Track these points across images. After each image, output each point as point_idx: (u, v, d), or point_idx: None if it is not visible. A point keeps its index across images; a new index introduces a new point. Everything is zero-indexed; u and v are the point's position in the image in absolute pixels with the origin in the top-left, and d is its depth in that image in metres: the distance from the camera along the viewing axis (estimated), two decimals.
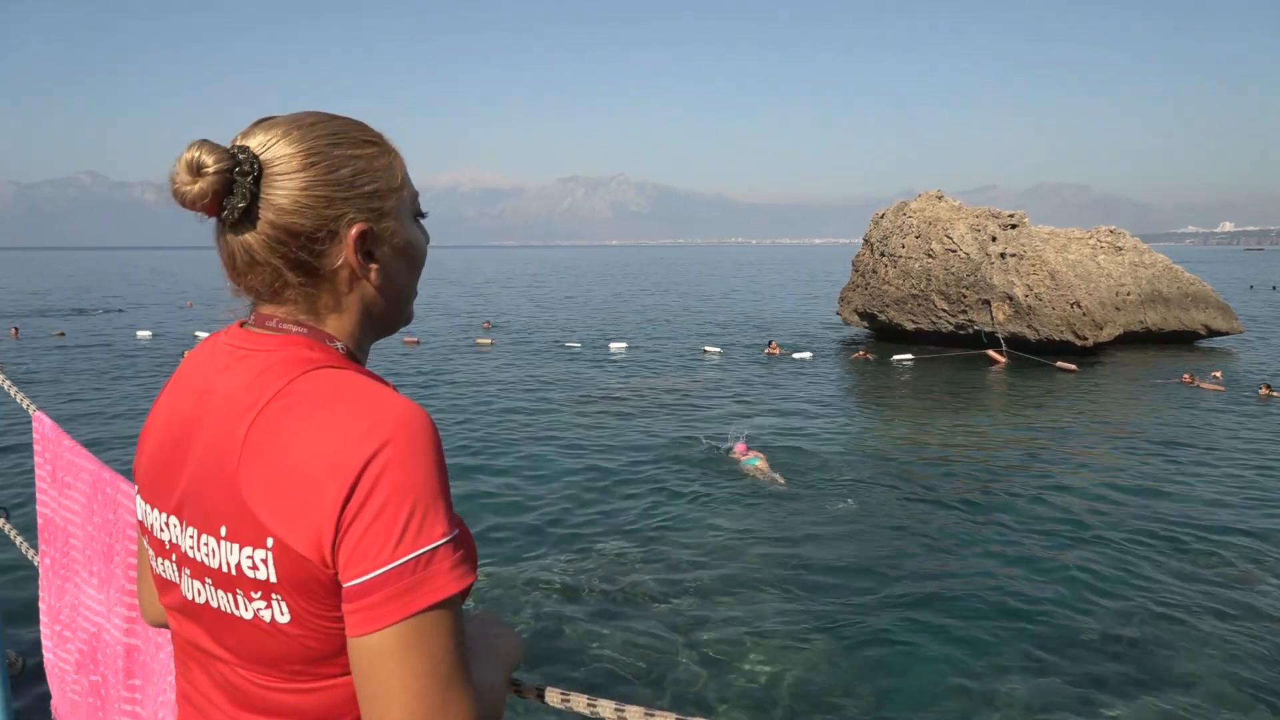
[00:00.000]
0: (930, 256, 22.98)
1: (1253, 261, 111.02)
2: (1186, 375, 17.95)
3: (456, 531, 0.95)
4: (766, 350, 22.79)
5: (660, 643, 6.52)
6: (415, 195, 1.14)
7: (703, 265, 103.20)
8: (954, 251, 22.64)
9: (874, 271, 24.36)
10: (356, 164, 1.05)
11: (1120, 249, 25.47)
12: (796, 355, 22.07)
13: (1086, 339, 20.75)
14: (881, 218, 25.12)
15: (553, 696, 1.25)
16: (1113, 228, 26.37)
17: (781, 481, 10.70)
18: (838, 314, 26.09)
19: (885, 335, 24.14)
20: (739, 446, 11.82)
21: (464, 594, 0.96)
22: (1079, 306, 21.05)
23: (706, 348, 23.37)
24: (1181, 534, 8.89)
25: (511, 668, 1.17)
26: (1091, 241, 25.36)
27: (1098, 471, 11.24)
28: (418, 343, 24.67)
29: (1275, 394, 16.32)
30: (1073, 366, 19.57)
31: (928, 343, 22.86)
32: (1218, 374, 18.23)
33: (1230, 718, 5.60)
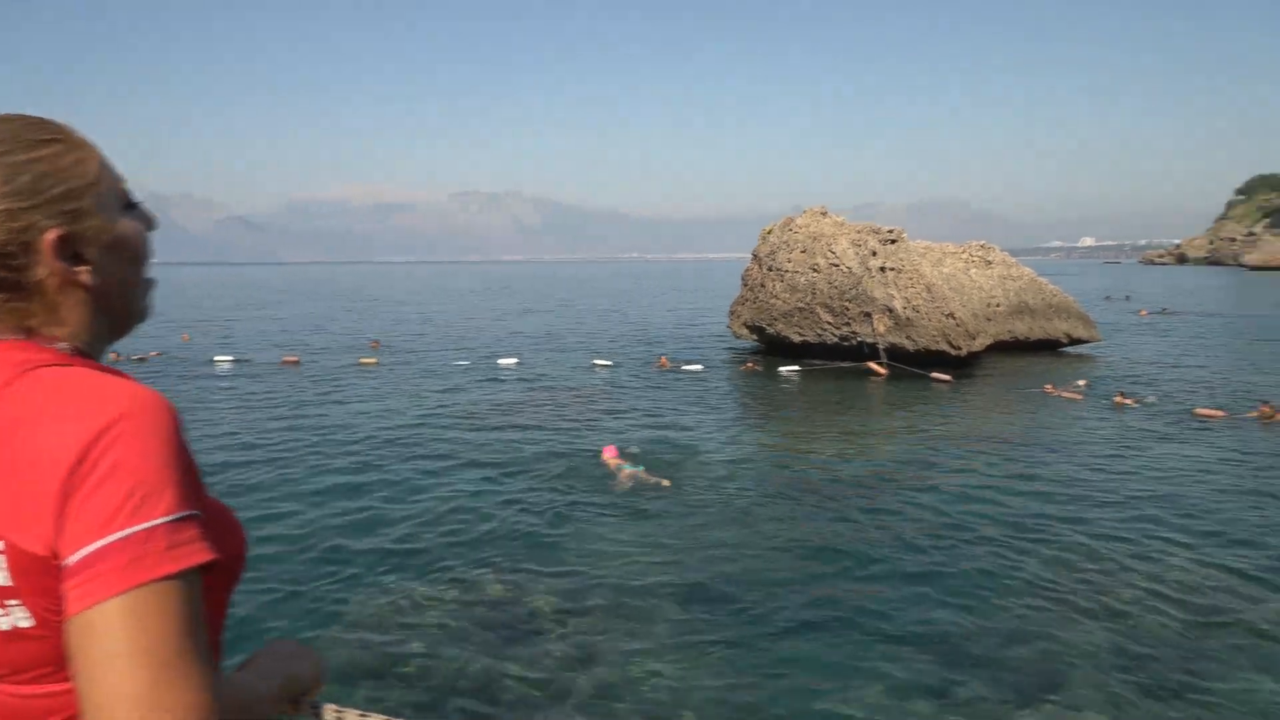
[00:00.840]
0: (815, 271, 23.62)
1: (1110, 274, 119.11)
2: (1049, 385, 18.99)
3: (188, 512, 0.93)
4: (657, 363, 22.93)
5: (543, 661, 6.41)
6: (119, 185, 1.09)
7: (598, 280, 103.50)
8: (837, 266, 23.35)
9: (762, 285, 24.88)
10: (37, 168, 1.00)
11: (990, 263, 26.82)
12: (686, 368, 22.29)
13: (960, 349, 21.72)
14: (769, 233, 25.70)
15: (350, 717, 1.27)
16: (983, 243, 27.77)
17: (666, 484, 10.91)
18: (728, 327, 26.52)
19: (774, 348, 24.67)
20: (606, 450, 12.09)
21: (198, 575, 0.93)
22: (953, 318, 22.02)
23: (596, 362, 23.35)
24: (1047, 538, 9.36)
25: (298, 688, 1.19)
26: (964, 256, 26.63)
27: (970, 480, 11.75)
28: (298, 362, 23.75)
29: (1128, 401, 17.41)
30: (947, 378, 20.43)
31: (814, 355, 23.48)
32: (1081, 383, 19.33)
33: (1095, 715, 5.88)
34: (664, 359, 23.28)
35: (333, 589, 7.78)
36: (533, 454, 12.79)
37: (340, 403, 17.30)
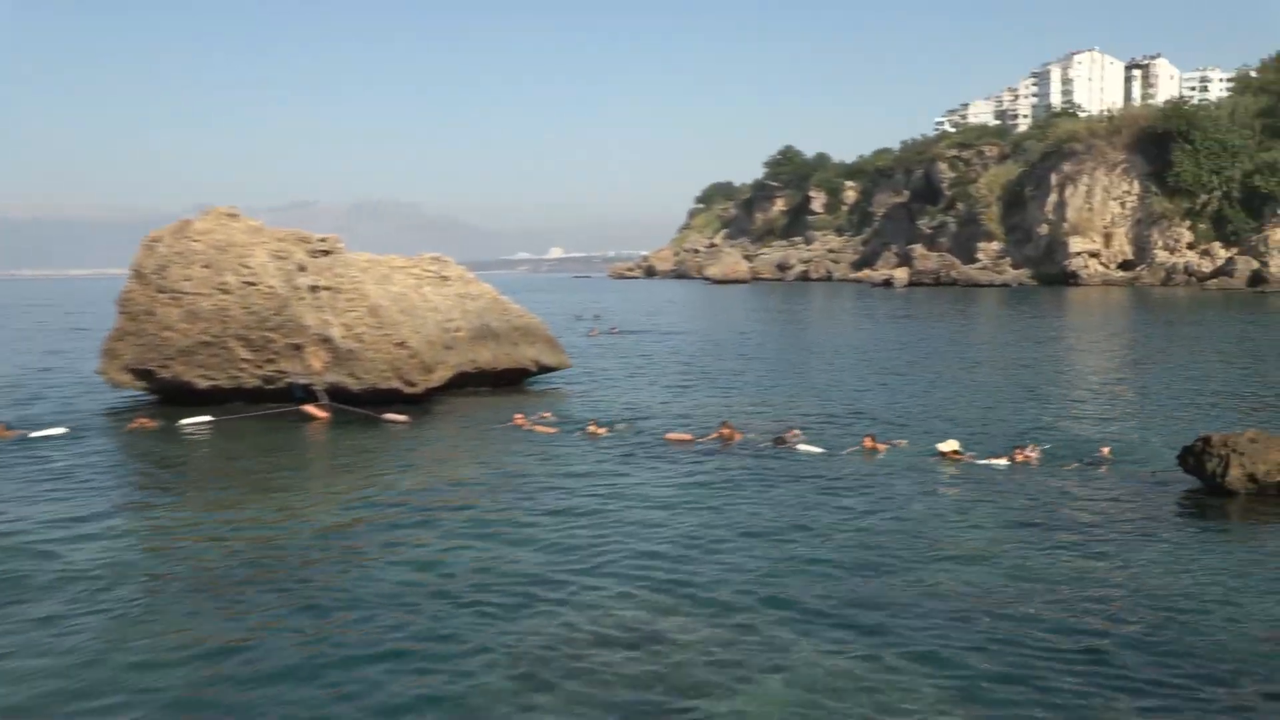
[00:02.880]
0: (225, 292, 22.89)
1: (580, 289, 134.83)
2: (519, 417, 20.88)
3: None
4: None
5: None
6: None
7: None
8: (255, 285, 22.92)
9: (150, 313, 23.33)
10: None
11: (447, 279, 28.53)
12: (38, 435, 19.93)
13: (416, 384, 22.77)
14: (157, 242, 24.21)
15: None
16: (437, 255, 29.45)
17: None
18: (100, 373, 24.29)
19: (173, 398, 23.24)
20: None
21: None
22: (405, 347, 22.99)
23: None
24: (526, 591, 10.31)
25: None
26: (415, 271, 27.94)
27: (436, 537, 12.45)
28: None
29: (601, 430, 19.91)
30: (403, 418, 21.29)
31: (231, 402, 22.64)
32: (547, 415, 21.55)
33: None
34: (1, 427, 20.49)
35: None
36: None
37: None
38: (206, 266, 23.24)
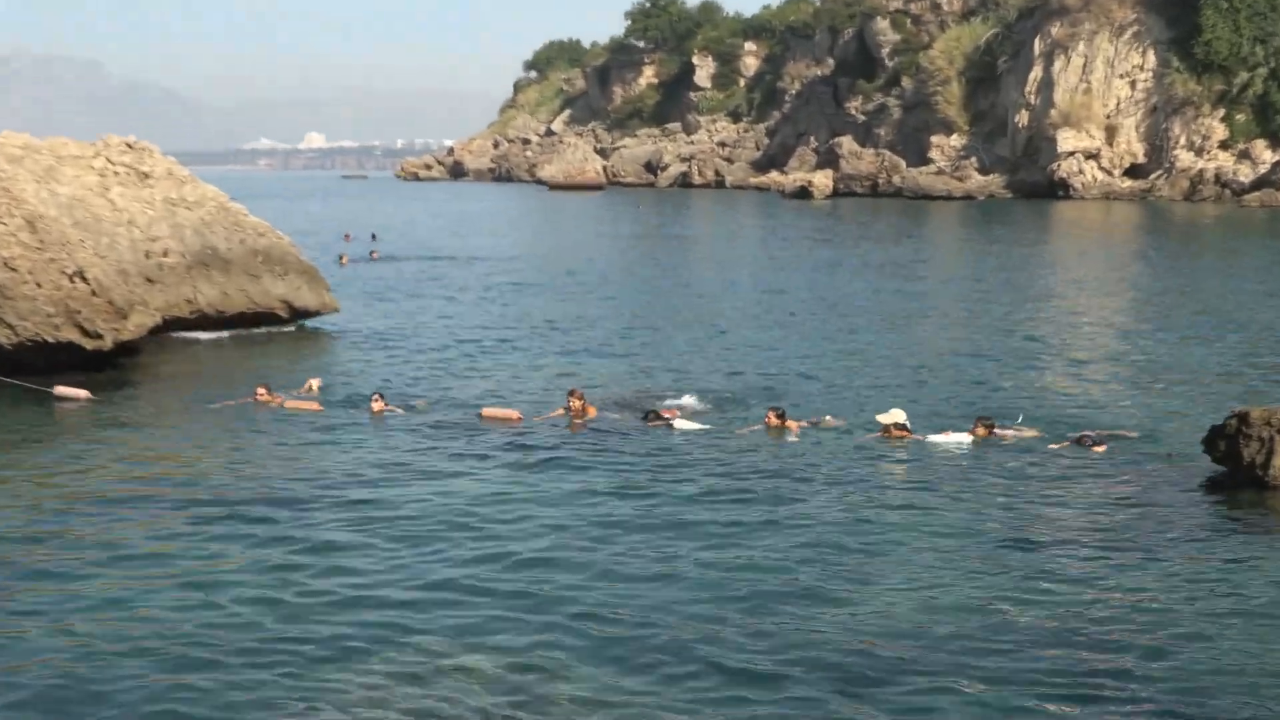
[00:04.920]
0: None
1: (354, 194, 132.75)
2: (262, 389, 20.57)
3: None
4: None
5: None
6: None
7: None
8: None
9: None
10: None
11: (148, 177, 27.80)
12: None
13: (102, 337, 22.17)
14: None
15: None
16: (132, 140, 28.62)
17: None
18: None
19: None
20: None
21: None
22: (85, 279, 22.34)
23: None
24: (280, 639, 10.23)
25: None
26: (98, 163, 27.14)
27: (129, 567, 12.31)
28: None
29: (390, 408, 19.83)
30: (82, 393, 20.71)
31: None
32: (315, 383, 21.42)
33: None
34: None
35: None
36: None
37: None
38: None
